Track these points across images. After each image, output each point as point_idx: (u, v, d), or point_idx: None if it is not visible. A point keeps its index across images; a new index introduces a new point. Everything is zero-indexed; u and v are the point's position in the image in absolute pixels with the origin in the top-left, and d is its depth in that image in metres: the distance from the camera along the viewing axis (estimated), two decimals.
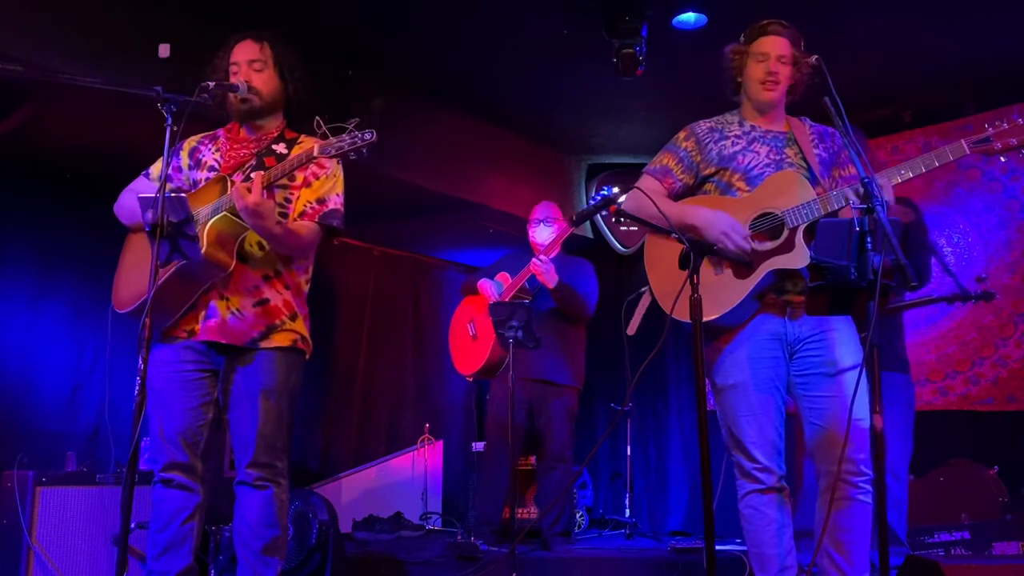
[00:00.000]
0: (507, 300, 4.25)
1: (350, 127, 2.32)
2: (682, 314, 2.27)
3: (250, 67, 2.60)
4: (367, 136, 2.30)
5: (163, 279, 2.40)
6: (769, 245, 2.43)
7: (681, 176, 2.62)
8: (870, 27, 4.22)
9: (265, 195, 2.37)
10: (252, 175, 2.44)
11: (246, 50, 2.62)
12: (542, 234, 4.38)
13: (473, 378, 4.59)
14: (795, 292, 2.47)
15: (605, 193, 4.24)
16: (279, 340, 2.53)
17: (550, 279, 4.13)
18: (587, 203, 6.05)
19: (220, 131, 2.72)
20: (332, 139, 2.33)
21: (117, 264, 2.65)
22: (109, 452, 3.62)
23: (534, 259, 4.17)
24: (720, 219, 2.44)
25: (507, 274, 4.39)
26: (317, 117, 2.40)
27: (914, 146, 5.07)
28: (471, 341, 4.47)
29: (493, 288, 4.35)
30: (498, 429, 4.31)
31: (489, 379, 4.51)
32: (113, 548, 3.38)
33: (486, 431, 4.48)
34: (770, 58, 2.52)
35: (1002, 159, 2.31)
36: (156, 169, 2.66)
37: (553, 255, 4.24)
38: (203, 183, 2.57)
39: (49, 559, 3.26)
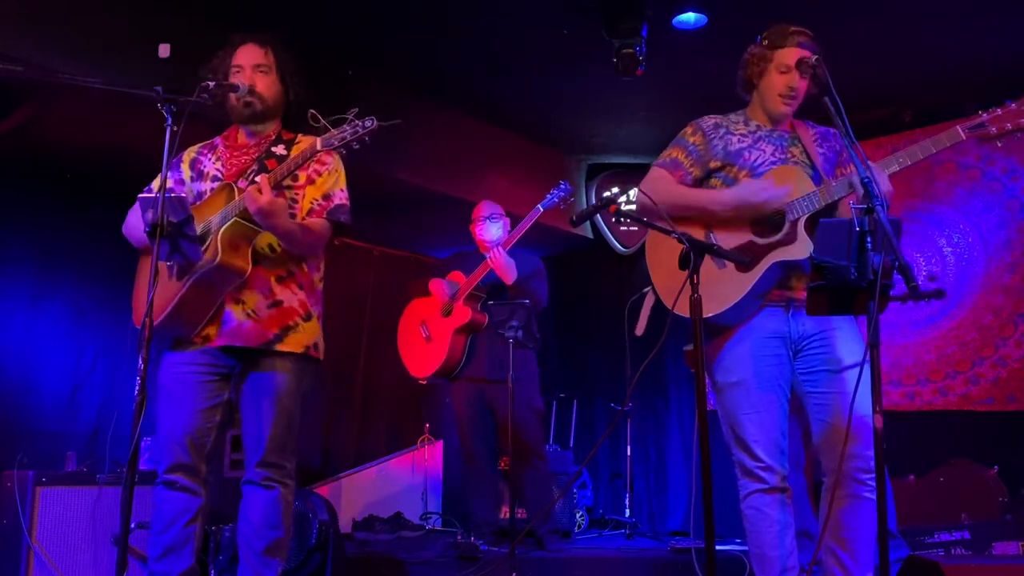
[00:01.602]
0: (462, 300, 4.21)
1: (350, 116, 2.32)
2: (684, 309, 2.27)
3: (255, 71, 2.60)
4: (368, 124, 2.29)
5: (182, 292, 2.41)
6: (771, 238, 2.44)
7: (691, 169, 2.63)
8: (870, 27, 4.22)
9: (280, 195, 2.37)
10: (257, 179, 2.44)
11: (250, 54, 2.62)
12: (490, 231, 4.31)
13: (428, 381, 4.46)
14: (799, 288, 2.47)
15: (562, 188, 4.24)
16: (293, 345, 2.53)
17: (509, 274, 4.06)
18: (587, 203, 6.05)
19: (217, 139, 2.72)
20: (333, 131, 2.34)
21: (127, 275, 2.66)
22: (109, 452, 3.62)
23: (493, 251, 4.08)
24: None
25: (460, 273, 4.32)
26: (312, 111, 2.40)
27: None
28: (425, 343, 4.36)
29: (446, 288, 4.29)
30: (471, 432, 4.28)
31: (446, 381, 4.41)
32: (113, 548, 3.38)
33: (461, 436, 4.38)
34: (793, 71, 2.49)
35: (999, 144, 2.32)
36: (157, 185, 2.65)
37: (508, 249, 4.17)
38: (208, 193, 2.58)
39: (49, 559, 3.26)
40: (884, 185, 2.30)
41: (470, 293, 4.21)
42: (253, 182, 2.45)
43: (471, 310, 4.17)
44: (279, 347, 2.51)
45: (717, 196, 2.53)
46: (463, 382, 4.29)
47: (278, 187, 2.44)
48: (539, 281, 4.28)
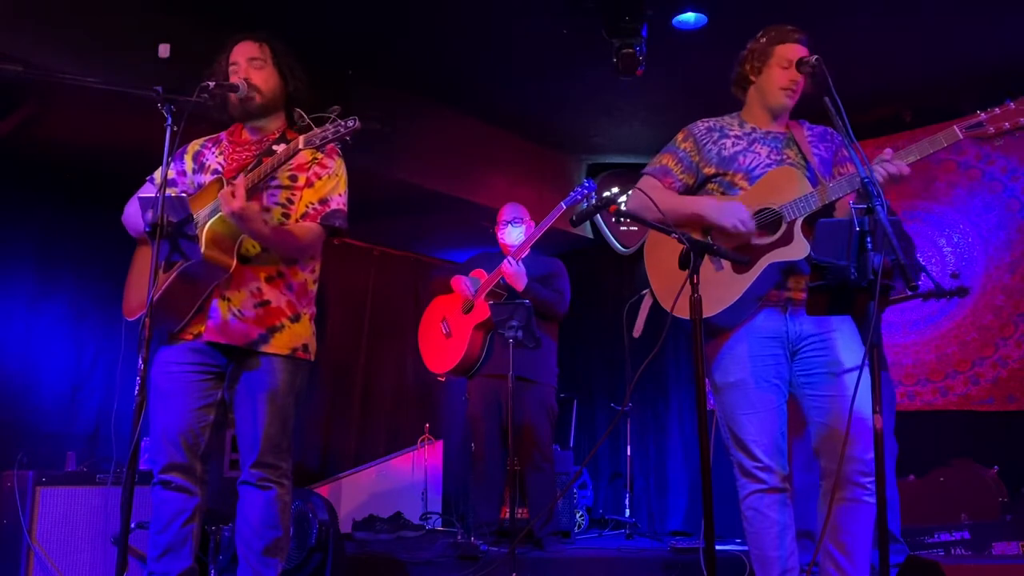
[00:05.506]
0: (482, 297, 4.21)
1: (332, 116, 2.32)
2: (683, 311, 2.27)
3: (250, 64, 2.59)
4: (350, 123, 2.29)
5: (167, 283, 2.40)
6: (768, 239, 2.44)
7: (681, 176, 2.63)
8: (870, 27, 4.22)
9: (253, 198, 2.36)
10: (236, 180, 2.42)
11: (245, 49, 2.61)
12: (511, 235, 4.34)
13: (446, 377, 4.47)
14: (797, 289, 2.47)
15: (587, 186, 4.27)
16: (279, 346, 2.52)
17: (520, 282, 4.09)
18: (587, 203, 6.04)
19: (223, 134, 2.72)
20: (316, 129, 2.34)
21: (127, 274, 2.66)
22: (109, 452, 3.62)
23: (505, 261, 4.13)
24: (726, 206, 2.46)
25: (483, 271, 4.34)
26: (297, 110, 2.40)
27: None
28: (444, 339, 4.38)
29: (468, 285, 4.30)
30: (483, 430, 4.29)
31: (463, 378, 4.42)
32: (113, 548, 3.38)
33: (473, 435, 4.39)
34: (794, 67, 2.51)
35: (998, 143, 2.32)
36: (160, 174, 2.65)
37: (524, 255, 4.20)
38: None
39: (49, 559, 3.26)
40: (894, 168, 2.31)
41: (492, 291, 4.22)
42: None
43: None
44: (264, 348, 2.50)
45: (707, 202, 2.53)
46: (481, 379, 4.30)
47: (256, 189, 2.43)
48: (560, 286, 4.30)
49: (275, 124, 2.67)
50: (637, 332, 2.66)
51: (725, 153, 2.58)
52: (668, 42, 4.31)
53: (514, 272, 4.10)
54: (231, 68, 2.60)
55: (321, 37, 4.26)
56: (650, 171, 2.67)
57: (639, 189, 2.56)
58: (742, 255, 2.43)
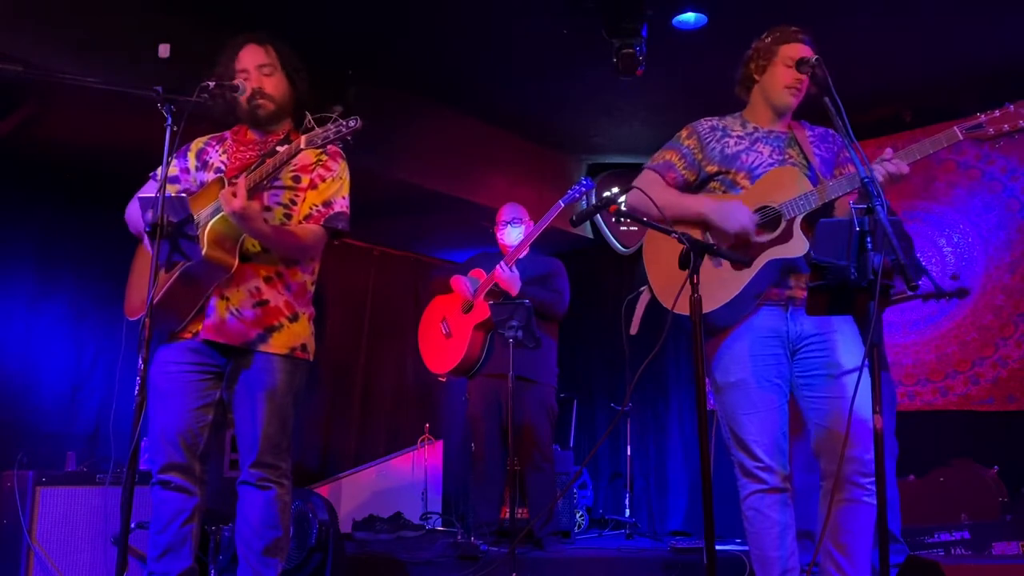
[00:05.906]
0: (481, 298, 4.22)
1: (335, 116, 2.33)
2: (683, 308, 2.26)
3: (260, 72, 2.59)
4: (352, 123, 2.30)
5: (169, 283, 2.40)
6: (767, 237, 2.45)
7: (683, 172, 2.63)
8: (870, 27, 4.23)
9: (255, 198, 2.36)
10: (236, 180, 2.42)
11: (253, 55, 2.60)
12: (510, 236, 4.34)
13: (446, 377, 4.49)
14: (798, 287, 2.47)
15: (584, 184, 4.28)
16: (277, 346, 2.52)
17: (513, 287, 4.10)
18: (587, 203, 6.04)
19: (227, 133, 2.72)
20: (318, 129, 2.34)
21: (127, 273, 2.66)
22: (109, 452, 3.62)
23: (498, 266, 4.14)
24: (728, 207, 2.46)
25: (482, 271, 4.34)
26: (306, 112, 2.41)
27: None
28: (444, 340, 4.39)
29: (468, 285, 4.31)
30: (483, 430, 4.29)
31: (464, 378, 4.43)
32: (113, 548, 3.38)
33: (473, 435, 4.40)
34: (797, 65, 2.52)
35: (997, 145, 2.35)
36: (161, 173, 2.65)
37: (523, 255, 4.21)
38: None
39: (49, 559, 3.26)
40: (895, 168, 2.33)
41: (491, 291, 4.22)
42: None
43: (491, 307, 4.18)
44: (262, 348, 2.50)
45: (709, 203, 2.53)
46: (481, 379, 4.30)
47: (258, 189, 2.44)
48: (558, 286, 4.30)
49: (281, 126, 2.67)
50: (634, 329, 2.65)
51: (728, 151, 2.58)
52: (668, 42, 4.31)
53: (507, 278, 4.10)
54: (241, 75, 2.58)
55: (321, 37, 4.26)
56: (652, 166, 2.67)
57: (638, 188, 2.55)
58: (741, 254, 2.43)
